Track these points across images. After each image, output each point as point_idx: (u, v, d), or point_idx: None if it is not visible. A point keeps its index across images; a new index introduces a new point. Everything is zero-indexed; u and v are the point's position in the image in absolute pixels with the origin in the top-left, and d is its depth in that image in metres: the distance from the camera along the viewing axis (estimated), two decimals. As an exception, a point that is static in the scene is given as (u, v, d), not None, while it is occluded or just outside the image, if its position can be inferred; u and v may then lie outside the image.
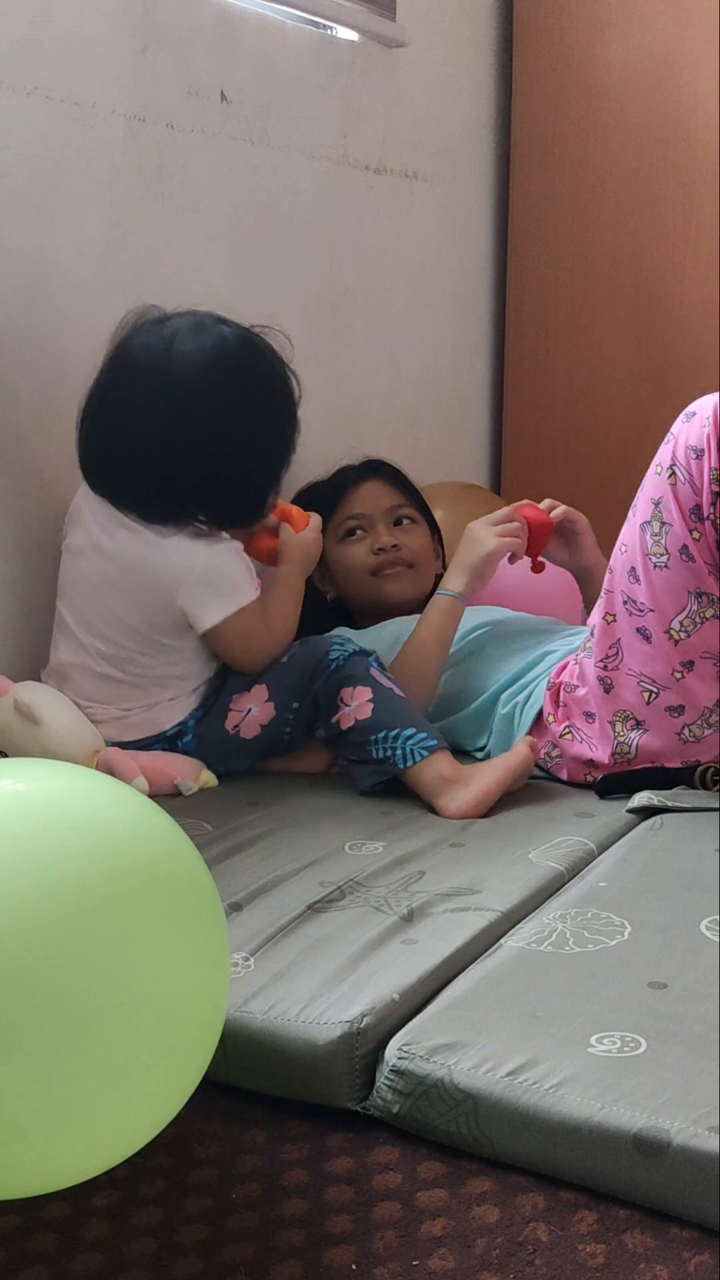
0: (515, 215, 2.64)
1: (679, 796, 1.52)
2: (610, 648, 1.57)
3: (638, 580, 1.52)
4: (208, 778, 1.62)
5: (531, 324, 2.65)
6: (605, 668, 1.58)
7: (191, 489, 1.57)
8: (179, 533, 1.58)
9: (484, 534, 1.75)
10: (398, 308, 2.40)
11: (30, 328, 1.70)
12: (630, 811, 1.51)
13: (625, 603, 1.54)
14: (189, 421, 1.54)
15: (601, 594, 1.60)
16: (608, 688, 1.58)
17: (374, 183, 2.30)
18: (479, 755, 1.72)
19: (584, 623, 1.88)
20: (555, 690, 1.65)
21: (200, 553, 1.59)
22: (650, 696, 1.55)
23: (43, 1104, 0.79)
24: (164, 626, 1.61)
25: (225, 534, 1.64)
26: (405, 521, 1.94)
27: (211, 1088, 0.99)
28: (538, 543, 1.80)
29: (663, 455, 1.52)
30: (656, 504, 1.51)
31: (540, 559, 1.83)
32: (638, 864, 1.35)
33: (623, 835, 1.45)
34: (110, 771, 1.54)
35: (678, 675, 1.53)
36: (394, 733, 1.56)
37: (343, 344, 2.26)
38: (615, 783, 1.57)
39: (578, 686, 1.62)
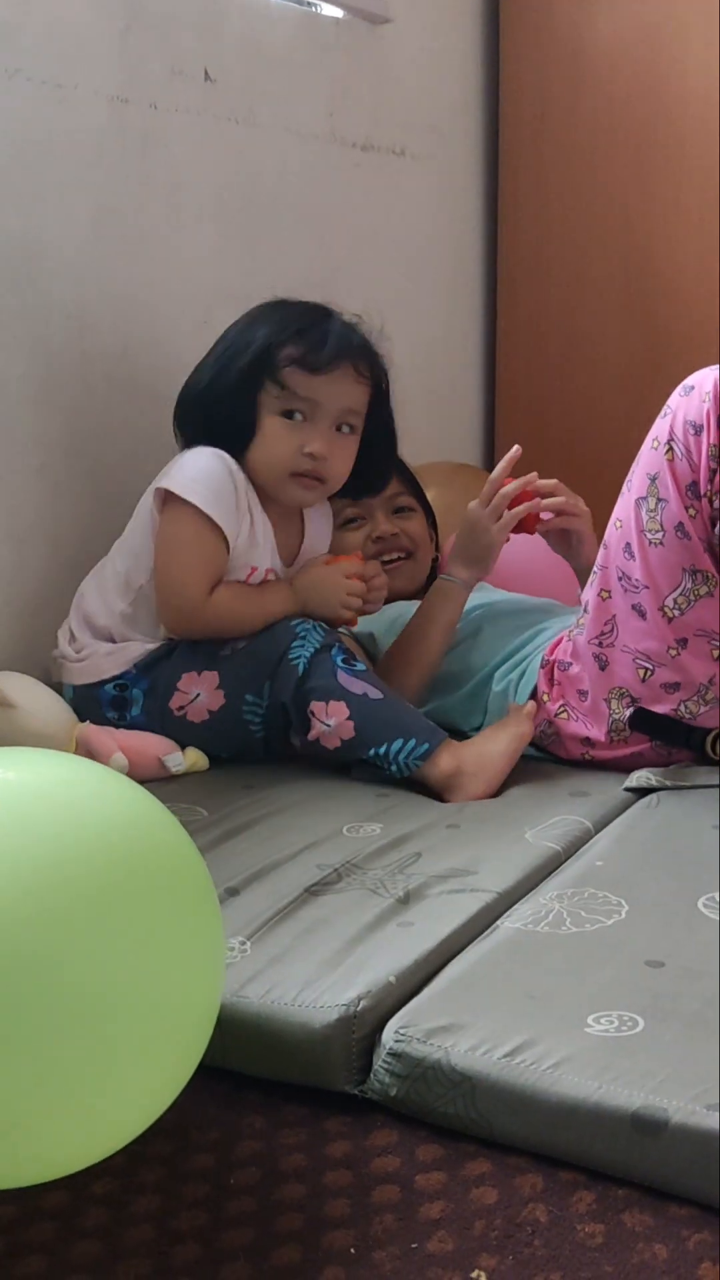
0: (505, 190, 2.62)
1: (675, 774, 1.52)
2: (605, 624, 1.56)
3: (632, 556, 1.51)
4: (197, 758, 1.61)
5: (523, 301, 2.63)
6: (600, 644, 1.57)
7: (193, 409, 1.64)
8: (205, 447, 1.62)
9: (484, 524, 1.71)
10: (387, 285, 2.38)
11: (18, 310, 1.69)
12: (627, 790, 1.51)
13: (620, 579, 1.53)
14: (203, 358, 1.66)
15: (595, 569, 1.58)
16: (603, 665, 1.57)
17: (361, 160, 2.28)
18: (474, 734, 1.71)
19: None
20: (549, 668, 1.65)
21: (201, 452, 1.61)
22: (645, 674, 1.54)
23: (39, 1093, 0.79)
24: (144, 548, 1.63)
25: (244, 484, 1.61)
26: (404, 510, 1.93)
27: (209, 1073, 0.99)
28: (528, 519, 1.76)
29: (659, 429, 1.50)
30: (653, 479, 1.49)
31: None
32: (634, 843, 1.34)
33: (619, 814, 1.44)
34: (87, 747, 1.53)
35: (673, 652, 1.52)
36: (383, 749, 1.53)
37: (333, 323, 2.25)
38: (642, 721, 1.55)
39: (571, 664, 1.62)
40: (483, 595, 1.86)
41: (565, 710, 1.62)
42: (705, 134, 2.40)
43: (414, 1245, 0.83)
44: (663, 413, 1.50)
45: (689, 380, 1.49)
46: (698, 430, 1.45)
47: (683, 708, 1.55)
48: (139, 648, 1.64)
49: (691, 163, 2.42)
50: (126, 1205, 0.89)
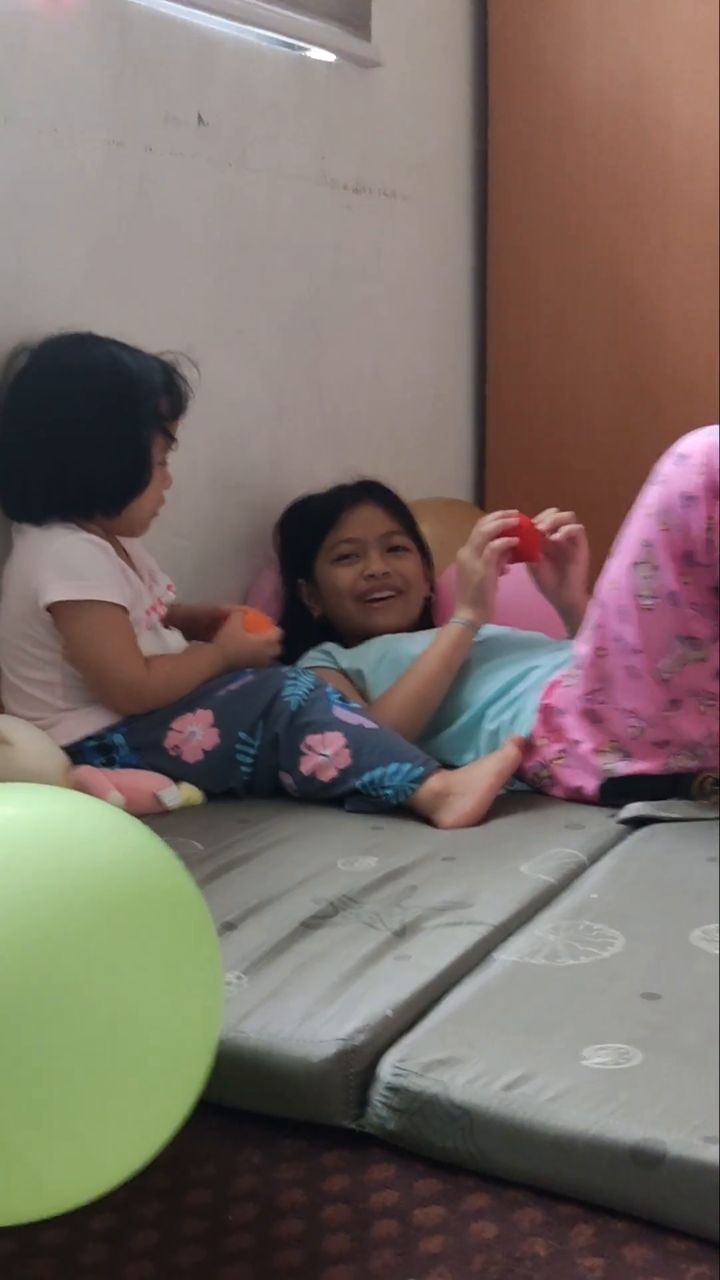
0: (494, 230, 2.65)
1: (670, 806, 1.53)
2: (599, 681, 1.57)
3: (627, 620, 1.52)
4: (192, 793, 1.62)
5: (512, 337, 2.66)
6: (593, 700, 1.58)
7: (43, 483, 1.60)
8: (55, 526, 1.61)
9: (472, 564, 1.75)
10: (378, 324, 2.41)
11: (12, 349, 1.70)
12: (621, 822, 1.51)
13: (614, 639, 1.54)
14: (24, 425, 1.61)
15: (590, 625, 1.59)
16: (595, 719, 1.58)
17: (352, 201, 2.31)
18: (466, 767, 1.72)
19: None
20: (545, 712, 1.66)
21: (61, 538, 1.60)
22: (637, 731, 1.55)
23: (37, 1129, 0.79)
24: (30, 629, 1.61)
25: (100, 535, 1.62)
26: (398, 549, 1.95)
27: (207, 1107, 0.98)
28: (527, 546, 1.79)
29: (652, 497, 1.50)
30: (647, 547, 1.49)
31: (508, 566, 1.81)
32: (629, 875, 1.35)
33: (613, 846, 1.45)
34: (83, 787, 1.54)
35: (665, 714, 1.53)
36: (378, 774, 1.55)
37: (323, 360, 2.27)
38: (617, 789, 1.57)
39: (565, 712, 1.63)
40: (476, 629, 1.87)
41: (562, 756, 1.62)
42: (691, 174, 2.43)
43: (413, 1280, 0.83)
44: (656, 478, 1.50)
45: (681, 447, 1.49)
46: (692, 502, 1.46)
47: (673, 761, 1.56)
48: (106, 714, 1.64)
49: (678, 202, 2.46)
50: (125, 1241, 0.89)
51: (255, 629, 1.75)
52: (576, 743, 1.61)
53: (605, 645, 1.55)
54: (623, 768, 1.57)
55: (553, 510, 1.83)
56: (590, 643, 1.58)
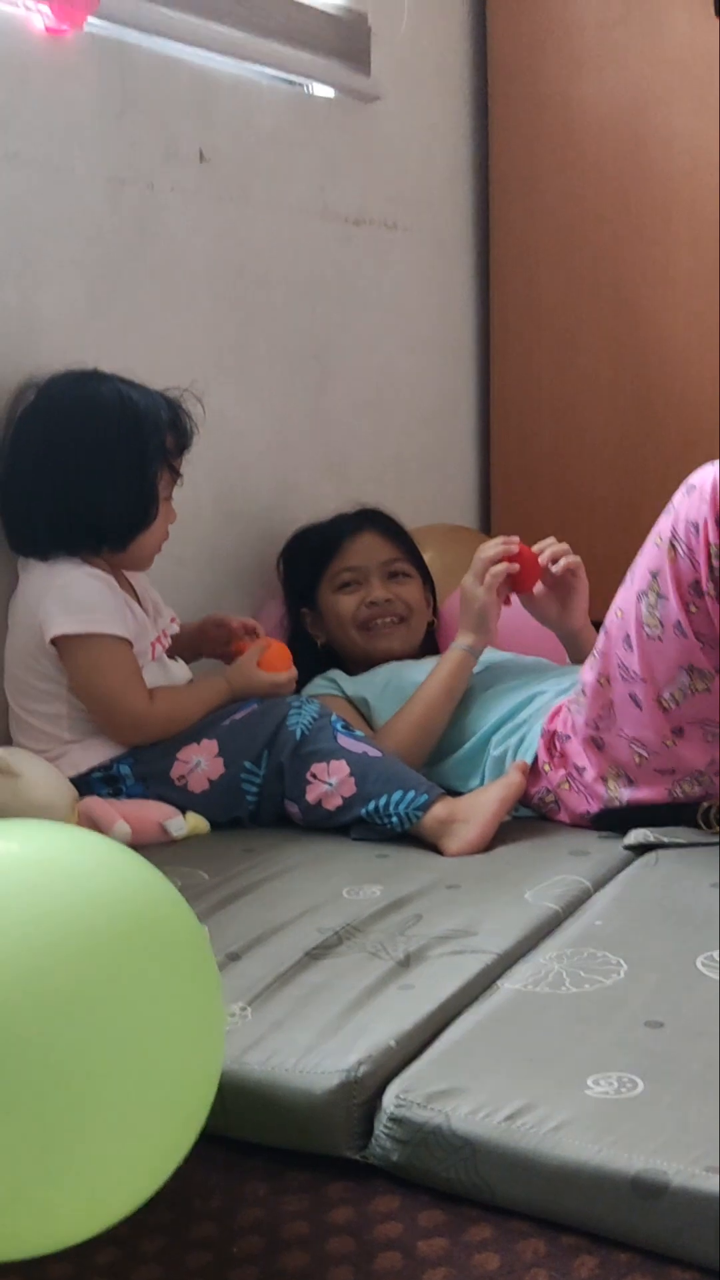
0: (496, 259, 2.67)
1: (674, 832, 1.53)
2: (602, 708, 1.57)
3: (631, 648, 1.52)
4: (198, 822, 1.62)
5: (516, 365, 2.68)
6: (597, 728, 1.58)
7: (48, 519, 1.61)
8: (60, 561, 1.62)
9: (474, 590, 1.77)
10: (381, 354, 2.43)
11: (15, 387, 1.72)
12: (626, 848, 1.52)
13: (619, 667, 1.54)
14: (31, 460, 1.62)
15: (595, 653, 1.59)
16: (599, 746, 1.59)
17: (353, 234, 2.33)
18: (471, 792, 1.72)
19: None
20: (549, 737, 1.66)
21: (65, 573, 1.61)
22: (640, 759, 1.56)
23: (41, 1164, 0.79)
24: (35, 663, 1.62)
25: (105, 569, 1.64)
26: (399, 575, 1.96)
27: (211, 1140, 0.99)
28: (526, 576, 1.80)
29: (662, 526, 1.50)
30: (654, 575, 1.50)
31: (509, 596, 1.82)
32: (633, 902, 1.35)
33: (618, 872, 1.45)
34: (90, 818, 1.55)
35: (668, 743, 1.53)
36: (383, 801, 1.56)
37: (327, 391, 2.29)
38: (614, 818, 1.57)
39: (570, 738, 1.63)
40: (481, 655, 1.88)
41: (568, 782, 1.63)
42: (692, 201, 2.45)
43: (416, 1312, 0.83)
44: (666, 510, 1.51)
45: (690, 479, 1.50)
46: (698, 530, 1.46)
47: (677, 789, 1.56)
48: (112, 745, 1.65)
49: (679, 230, 2.47)
50: (130, 1275, 0.89)
51: (271, 667, 1.74)
52: (581, 769, 1.61)
53: (609, 673, 1.56)
54: (626, 794, 1.57)
55: (552, 540, 1.83)
56: (595, 670, 1.58)
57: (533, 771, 1.66)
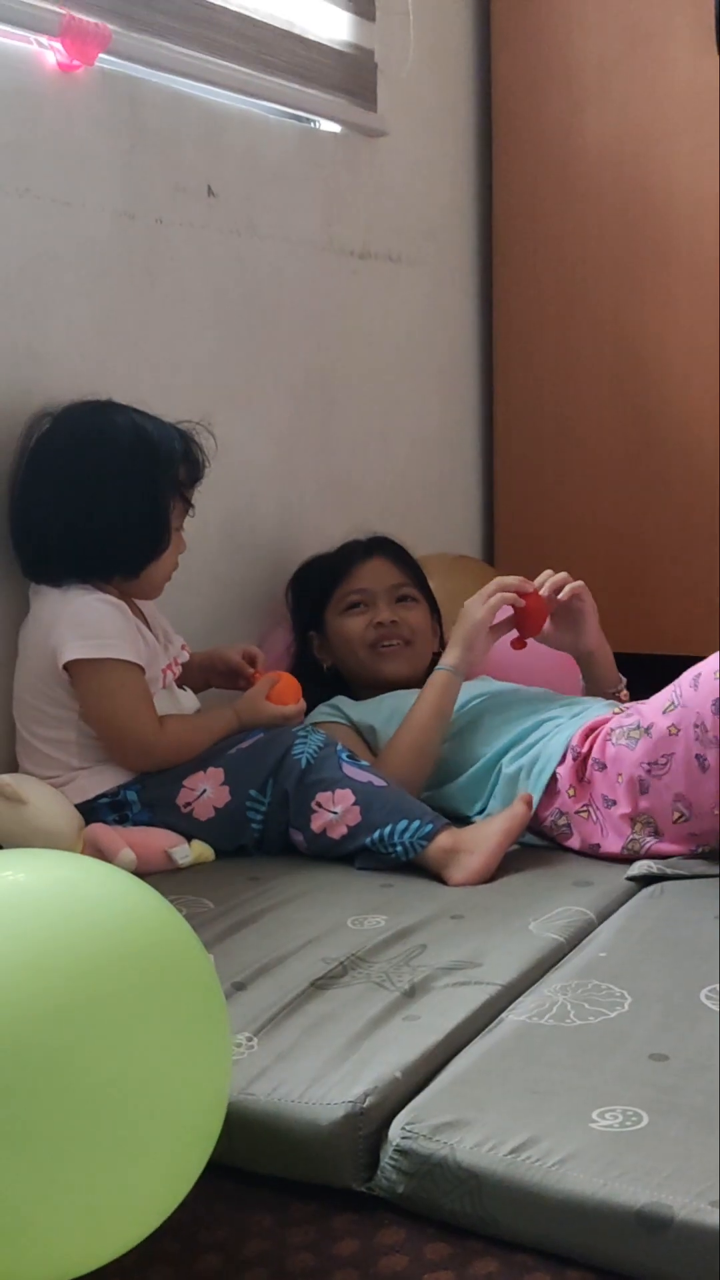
0: (499, 292, 2.70)
1: (678, 864, 1.53)
2: (663, 756, 1.56)
3: (715, 714, 1.50)
4: (203, 850, 1.63)
5: (518, 397, 2.70)
6: (649, 771, 1.57)
7: (62, 545, 1.62)
8: (73, 587, 1.63)
9: (473, 607, 1.78)
10: (385, 386, 2.44)
11: (24, 418, 1.74)
12: (629, 879, 1.52)
13: (695, 724, 1.52)
14: (46, 487, 1.63)
15: (673, 696, 1.57)
16: (643, 789, 1.58)
17: (358, 267, 2.36)
18: (476, 819, 1.72)
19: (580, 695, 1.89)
20: (580, 760, 1.65)
21: (78, 599, 1.62)
22: (680, 817, 1.56)
23: (47, 1195, 0.79)
24: (47, 688, 1.63)
25: (114, 595, 1.65)
26: (406, 600, 1.98)
27: (217, 1170, 0.99)
28: (532, 623, 1.81)
29: None
30: None
31: (522, 639, 1.83)
32: (637, 933, 1.35)
33: (622, 904, 1.45)
34: (96, 845, 1.55)
35: (716, 812, 1.54)
36: (387, 830, 1.56)
37: (332, 422, 2.31)
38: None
39: (605, 767, 1.62)
40: (483, 685, 1.89)
41: (588, 810, 1.63)
42: (693, 234, 2.48)
43: (422, 1346, 0.83)
44: None
45: None
46: None
47: (700, 849, 1.57)
48: (120, 772, 1.66)
49: (680, 262, 2.50)
50: (135, 1308, 0.89)
51: (281, 700, 1.74)
52: (612, 802, 1.60)
53: (682, 725, 1.54)
54: (649, 843, 1.58)
55: (549, 572, 1.84)
56: (668, 715, 1.56)
57: (547, 791, 1.65)
